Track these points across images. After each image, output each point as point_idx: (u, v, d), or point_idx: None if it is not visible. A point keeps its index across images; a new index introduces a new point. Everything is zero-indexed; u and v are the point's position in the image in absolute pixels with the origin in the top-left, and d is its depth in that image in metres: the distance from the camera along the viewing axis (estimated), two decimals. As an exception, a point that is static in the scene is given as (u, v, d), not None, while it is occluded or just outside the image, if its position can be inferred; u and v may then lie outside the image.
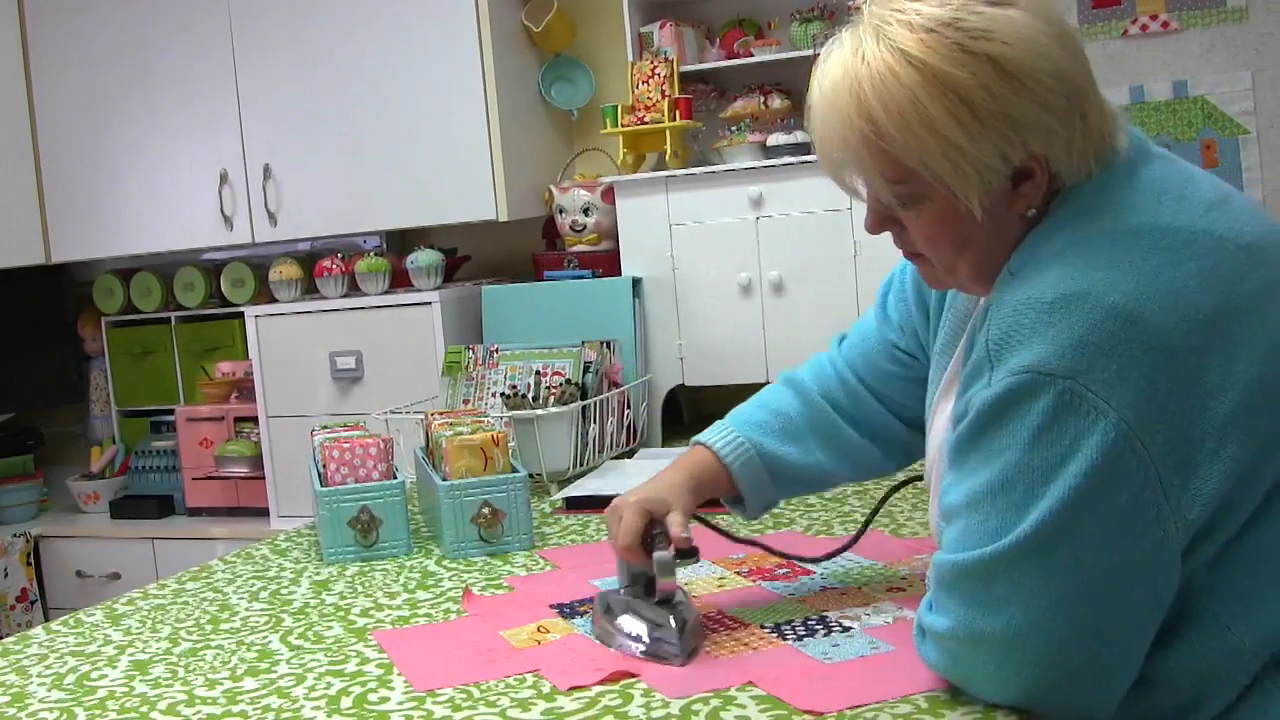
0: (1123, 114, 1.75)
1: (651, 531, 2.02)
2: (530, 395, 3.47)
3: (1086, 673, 1.56)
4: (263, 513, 4.66)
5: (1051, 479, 1.52)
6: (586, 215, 4.29)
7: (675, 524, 2.01)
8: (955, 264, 1.78)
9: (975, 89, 1.61)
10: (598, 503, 2.34)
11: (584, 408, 3.43)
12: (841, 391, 2.21)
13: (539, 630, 2.08)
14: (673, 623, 1.92)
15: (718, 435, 2.17)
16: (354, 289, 4.50)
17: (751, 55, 4.12)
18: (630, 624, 1.98)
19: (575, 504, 3.00)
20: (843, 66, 1.70)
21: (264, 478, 4.62)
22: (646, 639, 1.94)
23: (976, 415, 1.60)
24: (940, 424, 1.91)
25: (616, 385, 3.78)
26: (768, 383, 2.49)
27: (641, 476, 2.22)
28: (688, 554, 2.01)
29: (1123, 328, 1.53)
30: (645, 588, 2.01)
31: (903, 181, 1.70)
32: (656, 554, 1.98)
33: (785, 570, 2.31)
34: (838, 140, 1.73)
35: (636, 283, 4.05)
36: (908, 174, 1.69)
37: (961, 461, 1.63)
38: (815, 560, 2.26)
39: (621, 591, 2.07)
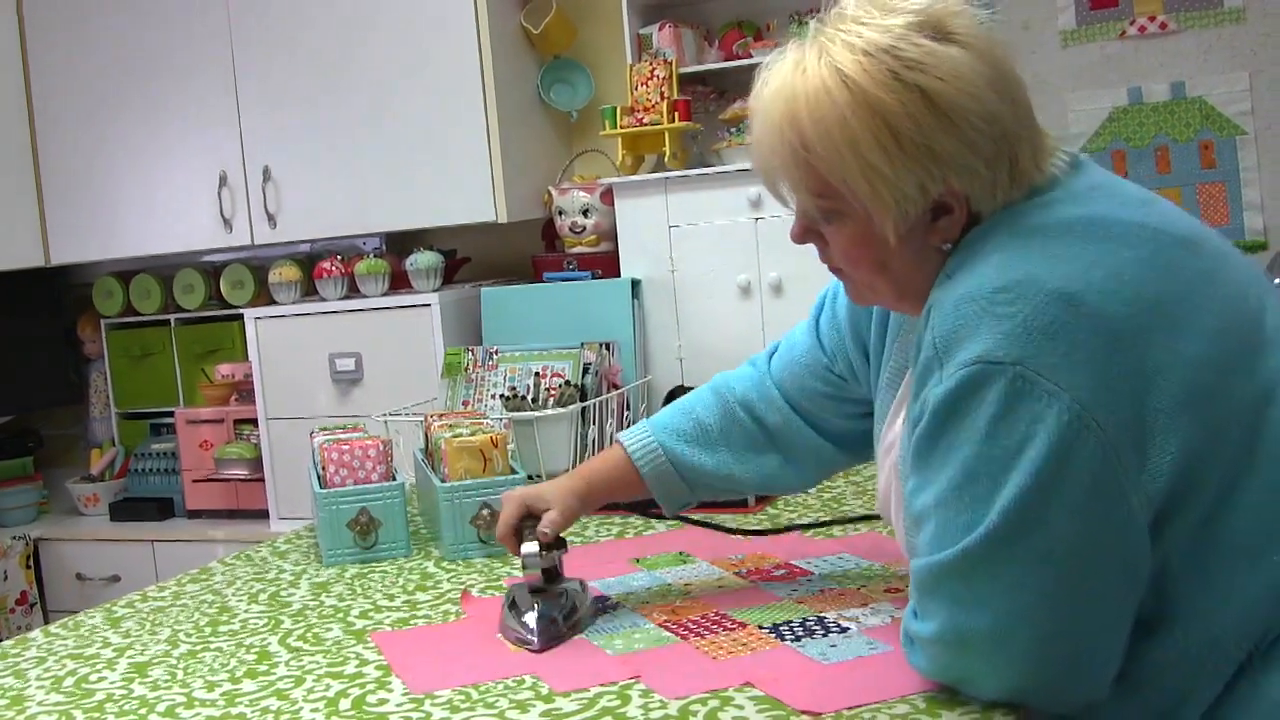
0: (1061, 147, 1.79)
1: (525, 525, 2.20)
2: (529, 397, 3.47)
3: (1077, 655, 1.57)
4: (263, 515, 4.67)
5: (1013, 466, 1.53)
6: (586, 217, 4.29)
7: (545, 521, 2.16)
8: (874, 283, 1.82)
9: (902, 117, 1.64)
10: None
11: (583, 409, 3.43)
12: (767, 407, 2.24)
13: (537, 632, 2.08)
14: (533, 611, 2.05)
15: (633, 438, 2.27)
16: (353, 291, 4.51)
17: (750, 56, 4.13)
18: (506, 613, 2.11)
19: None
20: (782, 77, 1.75)
21: (264, 480, 4.63)
22: (512, 625, 2.08)
23: (932, 413, 1.61)
24: (891, 461, 1.93)
25: (616, 387, 3.78)
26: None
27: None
28: (551, 548, 2.15)
29: (1066, 311, 1.55)
30: (544, 579, 2.15)
31: (825, 196, 1.74)
32: (523, 546, 2.14)
33: (783, 571, 2.31)
34: (768, 148, 1.77)
35: (635, 284, 4.06)
36: (830, 190, 1.73)
37: (924, 463, 1.64)
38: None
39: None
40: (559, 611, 2.07)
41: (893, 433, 1.93)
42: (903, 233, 1.71)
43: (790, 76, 1.73)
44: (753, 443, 2.24)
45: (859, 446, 2.23)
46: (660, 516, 2.46)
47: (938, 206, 1.71)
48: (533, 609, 2.06)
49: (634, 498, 2.31)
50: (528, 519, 2.20)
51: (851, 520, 2.53)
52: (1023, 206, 1.70)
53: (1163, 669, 1.61)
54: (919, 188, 1.67)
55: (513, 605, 2.12)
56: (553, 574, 2.16)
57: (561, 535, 2.19)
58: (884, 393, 2.00)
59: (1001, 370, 1.54)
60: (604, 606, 2.20)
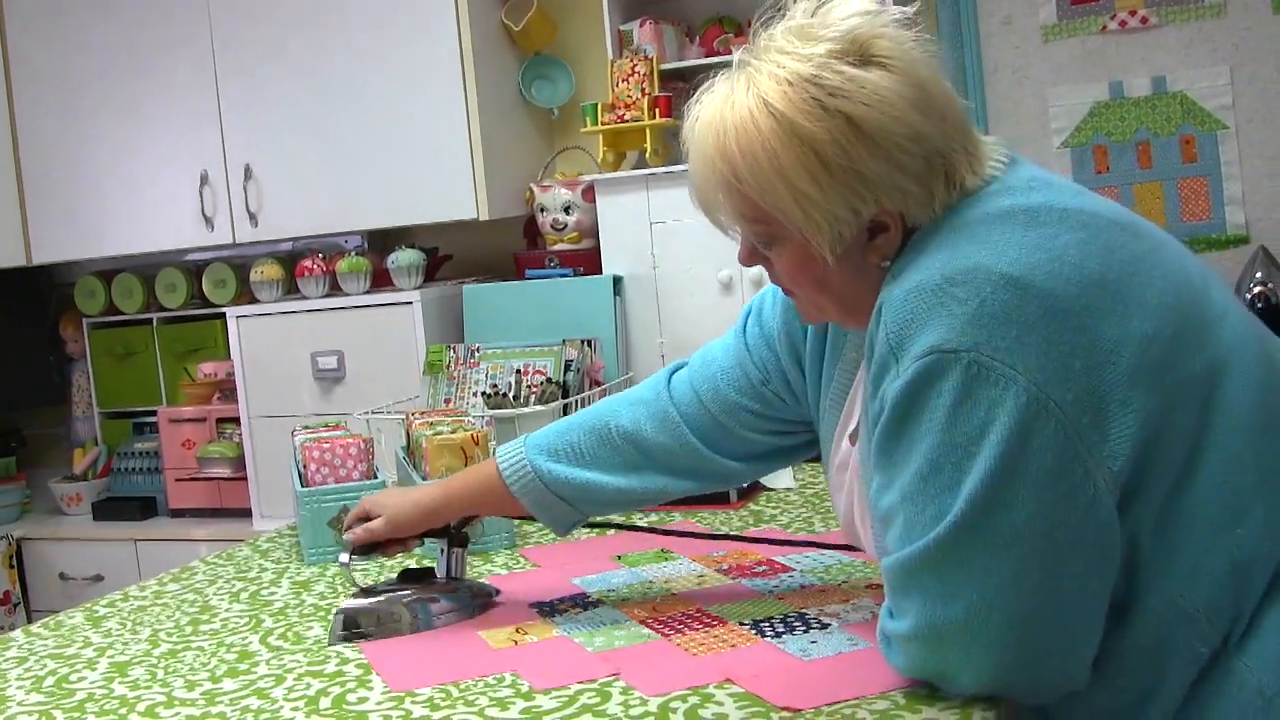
0: (999, 148, 1.81)
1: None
2: (511, 394, 3.47)
3: (1053, 641, 1.58)
4: (245, 514, 4.66)
5: (975, 452, 1.55)
6: (567, 214, 4.29)
7: (361, 527, 2.28)
8: (819, 301, 1.85)
9: (828, 144, 1.67)
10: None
11: (565, 406, 3.43)
12: (655, 430, 2.18)
13: (517, 631, 2.08)
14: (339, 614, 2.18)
15: (506, 454, 2.25)
16: (335, 289, 4.50)
17: (731, 53, 4.10)
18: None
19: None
20: (712, 110, 1.78)
21: (246, 479, 4.62)
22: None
23: (892, 408, 1.62)
24: (847, 479, 1.96)
25: (598, 383, 3.78)
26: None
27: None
28: (361, 552, 2.29)
29: (1014, 295, 1.57)
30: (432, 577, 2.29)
31: (761, 222, 1.78)
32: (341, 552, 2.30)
33: (764, 568, 2.32)
34: (703, 179, 1.81)
35: (617, 281, 4.06)
36: (765, 216, 1.76)
37: (888, 460, 1.65)
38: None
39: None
40: (379, 612, 2.18)
41: (841, 452, 1.95)
42: (839, 253, 1.74)
43: (720, 109, 1.77)
44: (628, 462, 2.19)
45: (769, 463, 2.26)
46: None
47: (874, 225, 1.73)
48: (337, 609, 2.21)
49: (509, 514, 2.35)
50: (366, 520, 2.30)
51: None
52: (961, 204, 1.73)
53: (1136, 653, 1.61)
54: (850, 210, 1.70)
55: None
56: (424, 573, 2.28)
57: (464, 533, 2.30)
58: (828, 414, 2.02)
59: (956, 358, 1.56)
60: (584, 603, 2.21)
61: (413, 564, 2.48)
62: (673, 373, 2.24)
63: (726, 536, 2.52)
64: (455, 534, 2.29)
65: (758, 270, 3.85)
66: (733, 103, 1.75)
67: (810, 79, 1.69)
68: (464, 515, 2.29)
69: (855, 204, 1.70)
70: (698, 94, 1.83)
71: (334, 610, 2.22)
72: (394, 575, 2.32)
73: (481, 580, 2.38)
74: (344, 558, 2.26)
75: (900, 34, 1.74)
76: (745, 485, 2.79)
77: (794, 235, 1.75)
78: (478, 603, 2.25)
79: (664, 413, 2.18)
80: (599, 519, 2.44)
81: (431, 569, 2.29)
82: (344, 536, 2.30)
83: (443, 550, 2.28)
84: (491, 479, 2.24)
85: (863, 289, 1.78)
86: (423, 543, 2.33)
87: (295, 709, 1.82)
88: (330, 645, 2.12)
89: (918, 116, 1.69)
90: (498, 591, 2.31)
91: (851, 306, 1.83)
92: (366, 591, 2.22)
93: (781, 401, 2.14)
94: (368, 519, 2.28)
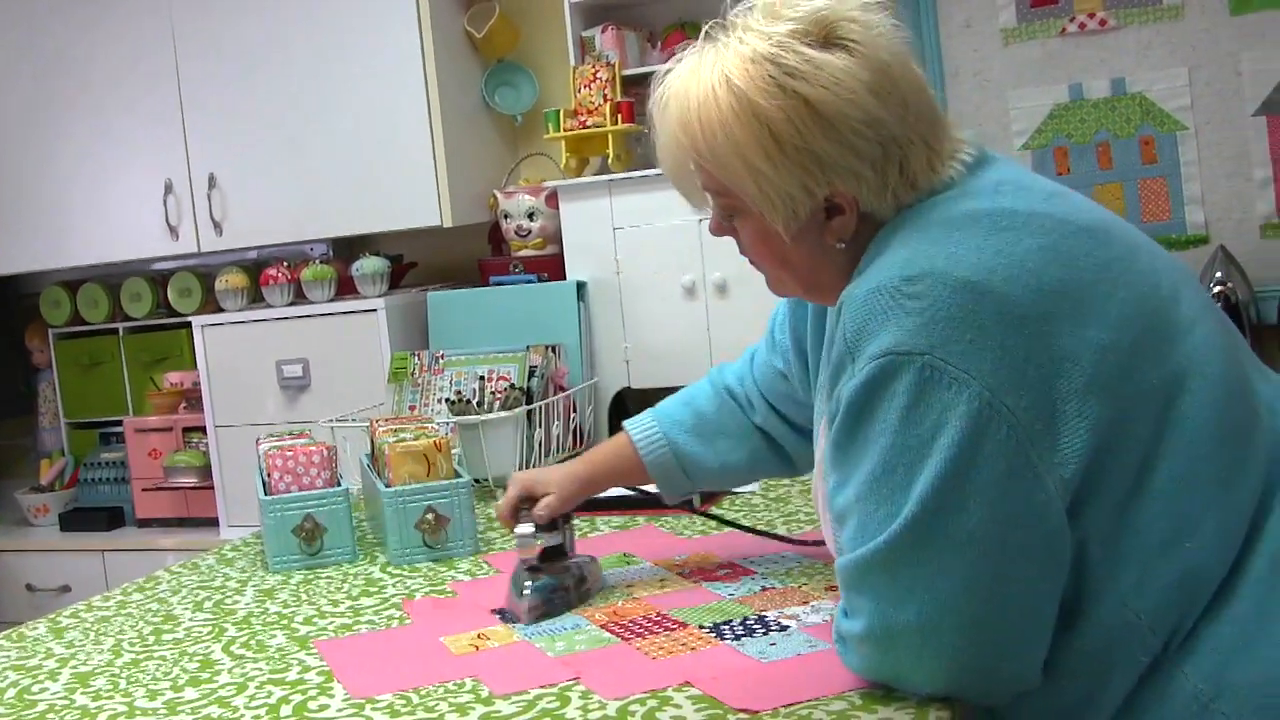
0: (968, 144, 1.83)
1: (524, 507, 2.32)
2: (475, 401, 3.47)
3: (1004, 644, 1.58)
4: (213, 523, 4.66)
5: (927, 454, 1.56)
6: (531, 220, 4.30)
7: (542, 504, 2.28)
8: (780, 276, 1.91)
9: (783, 123, 1.70)
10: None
11: (529, 412, 3.44)
12: (752, 400, 2.33)
13: (479, 637, 2.09)
14: (524, 588, 2.19)
15: (639, 427, 2.40)
16: (300, 297, 4.51)
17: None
18: (510, 592, 2.25)
19: (520, 508, 3.01)
20: (679, 81, 1.82)
21: (213, 487, 4.62)
22: (510, 603, 2.23)
23: (847, 408, 1.63)
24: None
25: (562, 389, 3.79)
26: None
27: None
28: (546, 529, 2.27)
29: (971, 300, 1.58)
30: (547, 556, 2.27)
31: (722, 195, 1.83)
32: (518, 528, 2.26)
33: (727, 570, 2.32)
34: (667, 151, 1.86)
35: (581, 286, 4.07)
36: (725, 190, 1.81)
37: (843, 459, 1.66)
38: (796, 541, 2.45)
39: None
40: (557, 588, 2.21)
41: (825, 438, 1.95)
42: (794, 231, 1.78)
43: (685, 82, 1.81)
44: (747, 432, 2.34)
45: None
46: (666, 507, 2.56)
47: (830, 207, 1.76)
48: (526, 589, 2.18)
49: (633, 484, 2.42)
50: (527, 501, 2.31)
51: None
52: (928, 203, 1.74)
53: (1080, 657, 1.62)
54: (804, 190, 1.73)
55: (514, 583, 2.23)
56: (558, 551, 2.29)
57: (568, 515, 2.34)
58: (819, 400, 2.02)
59: (910, 361, 1.57)
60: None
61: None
62: (754, 353, 2.37)
63: (779, 537, 2.52)
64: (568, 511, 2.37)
65: (720, 275, 3.88)
66: (698, 76, 1.78)
67: (770, 58, 1.72)
68: (608, 486, 2.41)
69: (808, 183, 1.72)
70: (667, 65, 1.87)
71: (527, 589, 2.19)
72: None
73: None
74: (523, 528, 2.26)
75: (870, 18, 1.76)
76: (710, 491, 2.80)
77: (752, 210, 1.79)
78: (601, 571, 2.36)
79: (751, 388, 2.34)
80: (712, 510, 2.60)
81: (558, 546, 2.30)
82: (521, 519, 2.29)
83: (558, 525, 2.31)
84: (624, 451, 2.38)
85: (822, 268, 1.83)
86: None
87: (256, 717, 1.82)
88: (533, 623, 2.15)
89: (875, 102, 1.71)
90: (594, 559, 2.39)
91: (812, 283, 1.87)
92: (534, 570, 2.24)
93: (801, 391, 2.23)
94: (526, 498, 2.32)
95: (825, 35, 1.73)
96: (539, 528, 2.26)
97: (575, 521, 2.42)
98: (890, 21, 1.78)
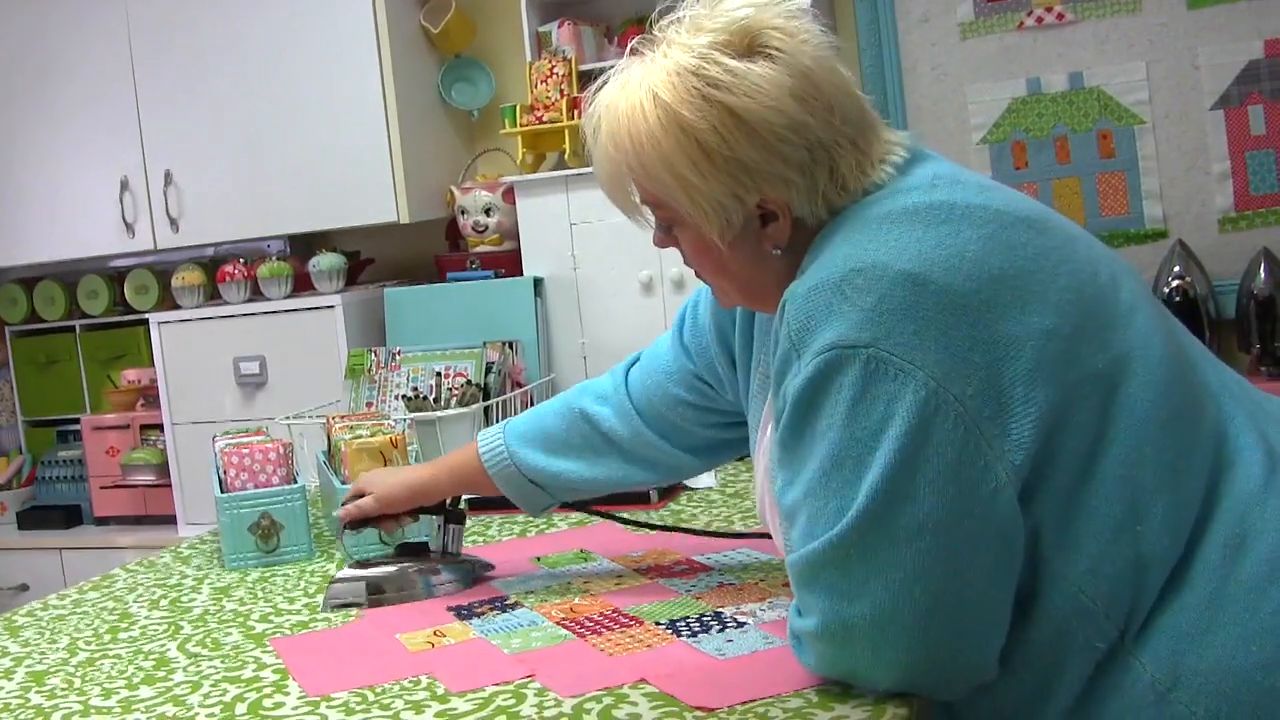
0: (901, 152, 1.83)
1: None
2: (432, 397, 3.47)
3: (961, 635, 1.59)
4: (171, 520, 4.65)
5: (875, 447, 1.56)
6: (488, 216, 4.30)
7: (352, 505, 2.39)
8: (721, 285, 1.92)
9: (708, 133, 1.72)
10: (500, 503, 2.37)
11: (486, 408, 3.44)
12: (616, 418, 2.29)
13: (435, 634, 2.09)
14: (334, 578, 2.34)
15: (485, 440, 2.37)
16: (257, 294, 4.50)
17: (649, 53, 4.13)
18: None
19: (476, 505, 3.00)
20: (610, 96, 1.84)
21: (171, 485, 4.60)
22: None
23: (793, 405, 1.64)
24: (764, 465, 1.97)
25: (520, 385, 3.79)
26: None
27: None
28: (354, 527, 2.40)
29: (913, 291, 1.59)
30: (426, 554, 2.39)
31: (658, 206, 1.85)
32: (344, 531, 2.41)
33: (683, 567, 2.32)
34: (600, 165, 1.88)
35: (538, 282, 4.07)
36: (660, 201, 1.83)
37: (791, 456, 1.66)
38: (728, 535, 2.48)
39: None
40: (395, 571, 2.32)
41: (766, 439, 1.95)
42: (730, 239, 1.79)
43: (614, 99, 1.83)
44: (594, 449, 2.30)
45: (718, 455, 2.35)
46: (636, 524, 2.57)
47: (763, 213, 1.78)
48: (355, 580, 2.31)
49: (489, 495, 2.39)
50: (361, 498, 2.40)
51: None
52: (864, 202, 1.76)
53: (1035, 647, 1.62)
54: (734, 198, 1.75)
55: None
56: (419, 548, 2.39)
57: (456, 515, 2.39)
58: (754, 401, 2.04)
59: (855, 354, 1.58)
60: (502, 605, 2.21)
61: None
62: (630, 366, 2.33)
63: (706, 533, 2.52)
64: (452, 511, 2.39)
65: (677, 271, 3.89)
66: (626, 93, 1.80)
67: (693, 70, 1.74)
68: (449, 496, 2.39)
69: (738, 191, 1.74)
70: (598, 82, 1.88)
71: (331, 579, 2.35)
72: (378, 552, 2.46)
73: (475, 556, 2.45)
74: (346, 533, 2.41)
75: (793, 25, 1.77)
76: (667, 485, 2.80)
77: (687, 221, 1.81)
78: (472, 575, 2.36)
79: (622, 405, 2.28)
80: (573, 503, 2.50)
81: (426, 543, 2.40)
82: (335, 514, 2.41)
83: (438, 526, 2.37)
84: (473, 463, 2.35)
85: (761, 275, 1.84)
86: (417, 519, 2.43)
87: (211, 715, 1.82)
88: (330, 609, 2.29)
89: (798, 108, 1.72)
90: (492, 565, 2.41)
91: (752, 290, 1.88)
92: (361, 564, 2.33)
93: (718, 395, 2.20)
94: (359, 496, 2.38)
95: (748, 44, 1.75)
96: (347, 525, 2.38)
97: (464, 523, 2.43)
98: (815, 27, 1.79)
